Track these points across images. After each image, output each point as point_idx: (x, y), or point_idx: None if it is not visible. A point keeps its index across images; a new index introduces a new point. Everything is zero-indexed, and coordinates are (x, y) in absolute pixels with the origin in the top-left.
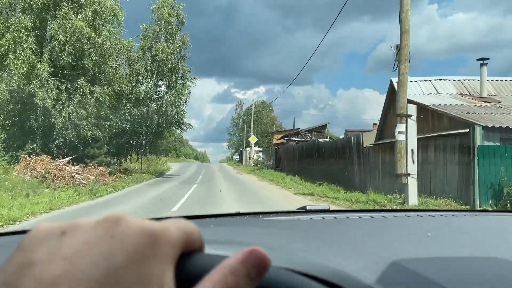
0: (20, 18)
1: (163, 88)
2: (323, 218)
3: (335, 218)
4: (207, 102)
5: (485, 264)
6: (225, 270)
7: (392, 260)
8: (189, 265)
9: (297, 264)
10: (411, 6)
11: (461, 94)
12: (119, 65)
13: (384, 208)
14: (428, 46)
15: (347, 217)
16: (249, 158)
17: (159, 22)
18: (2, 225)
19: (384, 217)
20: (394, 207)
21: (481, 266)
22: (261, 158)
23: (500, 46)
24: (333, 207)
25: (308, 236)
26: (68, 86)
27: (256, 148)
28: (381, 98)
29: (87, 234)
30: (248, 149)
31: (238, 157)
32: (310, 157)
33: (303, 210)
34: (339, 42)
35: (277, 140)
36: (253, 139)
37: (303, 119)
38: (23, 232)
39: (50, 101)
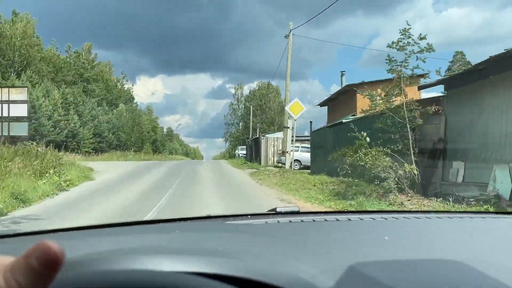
0: None
1: None
2: (290, 221)
3: (302, 221)
4: (201, 97)
5: (442, 268)
6: (6, 267)
7: (350, 264)
8: None
9: (248, 270)
10: None
11: None
12: None
13: (353, 210)
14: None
15: (314, 220)
16: (282, 152)
17: None
18: None
19: (350, 219)
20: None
21: (438, 270)
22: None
23: (492, 43)
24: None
25: (272, 240)
26: None
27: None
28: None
29: None
30: (272, 135)
31: (243, 152)
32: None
33: (273, 212)
34: (333, 38)
35: None
36: (295, 107)
37: None
38: None
39: None
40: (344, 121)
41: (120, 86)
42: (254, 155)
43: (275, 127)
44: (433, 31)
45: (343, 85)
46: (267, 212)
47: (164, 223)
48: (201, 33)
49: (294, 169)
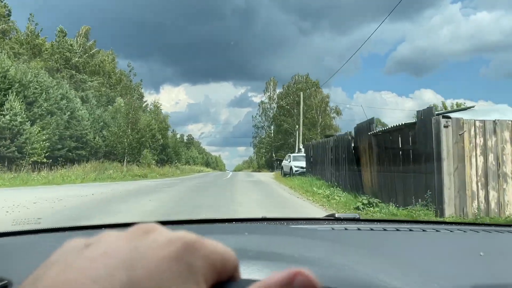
0: None
1: None
2: (359, 229)
3: (371, 229)
4: (223, 106)
5: None
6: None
7: (431, 276)
8: None
9: (349, 282)
10: None
11: None
12: None
13: (416, 219)
14: (449, 46)
15: (384, 229)
16: None
17: None
18: None
19: (424, 230)
20: None
21: None
22: None
23: None
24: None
25: (350, 249)
26: None
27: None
28: (400, 100)
29: (107, 245)
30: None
31: (299, 164)
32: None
33: (332, 218)
34: (357, 44)
35: None
36: None
37: None
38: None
39: None
40: None
41: (126, 81)
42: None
43: (317, 130)
44: (462, 36)
45: None
46: (326, 218)
47: (223, 223)
48: (224, 42)
49: None
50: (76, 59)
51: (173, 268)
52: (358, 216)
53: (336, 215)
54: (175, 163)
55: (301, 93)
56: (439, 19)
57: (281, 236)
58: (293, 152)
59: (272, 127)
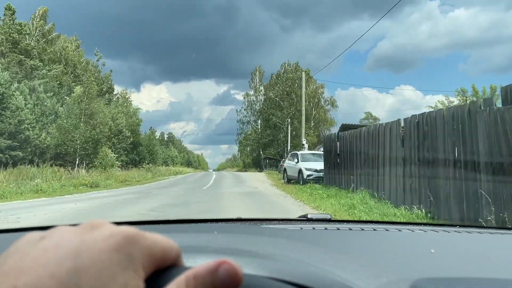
0: None
1: None
2: (326, 228)
3: (338, 229)
4: (205, 104)
5: (494, 286)
6: (189, 276)
7: (400, 278)
8: (163, 278)
9: (300, 276)
10: None
11: None
12: None
13: (387, 220)
14: (428, 42)
15: (350, 229)
16: None
17: None
18: None
19: (387, 230)
20: None
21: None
22: None
23: (501, 43)
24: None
25: (311, 246)
26: None
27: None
28: (381, 96)
29: (59, 238)
30: None
31: (312, 166)
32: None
33: (305, 219)
34: (339, 41)
35: None
36: None
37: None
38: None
39: None
40: None
41: (93, 71)
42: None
43: (311, 124)
44: (441, 32)
45: None
46: (299, 218)
47: (197, 223)
48: (206, 40)
49: None
50: (27, 42)
51: (113, 257)
52: (329, 217)
53: (309, 216)
54: (147, 164)
55: (303, 73)
56: (418, 16)
57: (249, 234)
58: (286, 149)
59: (259, 122)
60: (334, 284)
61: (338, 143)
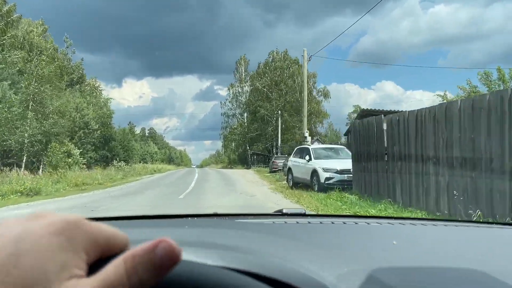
0: None
1: None
2: (297, 222)
3: (309, 222)
4: (188, 100)
5: (449, 274)
6: (127, 256)
7: (359, 268)
8: (107, 263)
9: (264, 267)
10: None
11: None
12: None
13: (355, 214)
14: (409, 38)
15: (321, 222)
16: None
17: None
18: None
19: (356, 223)
20: None
21: (445, 276)
22: None
23: (479, 39)
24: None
25: (281, 240)
26: None
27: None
28: (363, 92)
29: (4, 228)
30: None
31: (334, 163)
32: None
33: (280, 214)
34: (322, 37)
35: None
36: None
37: None
38: None
39: None
40: None
41: (63, 59)
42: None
43: (302, 117)
44: (421, 28)
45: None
46: (274, 213)
47: (172, 219)
48: (189, 35)
49: None
50: None
51: (54, 241)
52: (304, 211)
53: (284, 211)
54: (118, 162)
55: (304, 50)
56: (399, 12)
57: (222, 229)
58: (275, 144)
59: (245, 115)
60: (296, 274)
61: (385, 130)
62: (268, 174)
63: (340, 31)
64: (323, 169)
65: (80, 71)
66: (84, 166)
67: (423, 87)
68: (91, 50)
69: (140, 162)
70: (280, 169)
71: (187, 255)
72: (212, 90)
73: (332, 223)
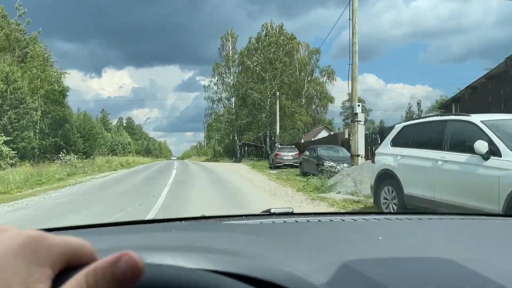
0: None
1: None
2: (284, 221)
3: (296, 221)
4: (170, 90)
5: (430, 265)
6: (89, 270)
7: (344, 262)
8: (73, 275)
9: (251, 268)
10: None
11: None
12: None
13: (345, 211)
14: (390, 32)
15: (308, 221)
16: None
17: None
18: None
19: (343, 220)
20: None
21: (430, 267)
22: None
23: (459, 33)
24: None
25: (267, 240)
26: None
27: None
28: (345, 85)
29: None
30: None
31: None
32: None
33: (267, 213)
34: (305, 29)
35: None
36: None
37: None
38: None
39: None
40: None
41: (13, 29)
42: None
43: (302, 100)
44: (403, 22)
45: None
46: (261, 213)
47: (159, 223)
48: (171, 25)
49: None
50: None
51: (19, 254)
52: (291, 210)
53: (272, 210)
54: (70, 153)
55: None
56: (382, 5)
57: (209, 231)
58: (271, 133)
59: (233, 100)
60: (283, 274)
61: None
62: (272, 172)
63: (324, 23)
64: None
65: (39, 44)
66: (15, 160)
67: (404, 80)
68: (69, 38)
69: (108, 155)
70: (291, 164)
71: (174, 260)
72: (194, 81)
73: (319, 221)
